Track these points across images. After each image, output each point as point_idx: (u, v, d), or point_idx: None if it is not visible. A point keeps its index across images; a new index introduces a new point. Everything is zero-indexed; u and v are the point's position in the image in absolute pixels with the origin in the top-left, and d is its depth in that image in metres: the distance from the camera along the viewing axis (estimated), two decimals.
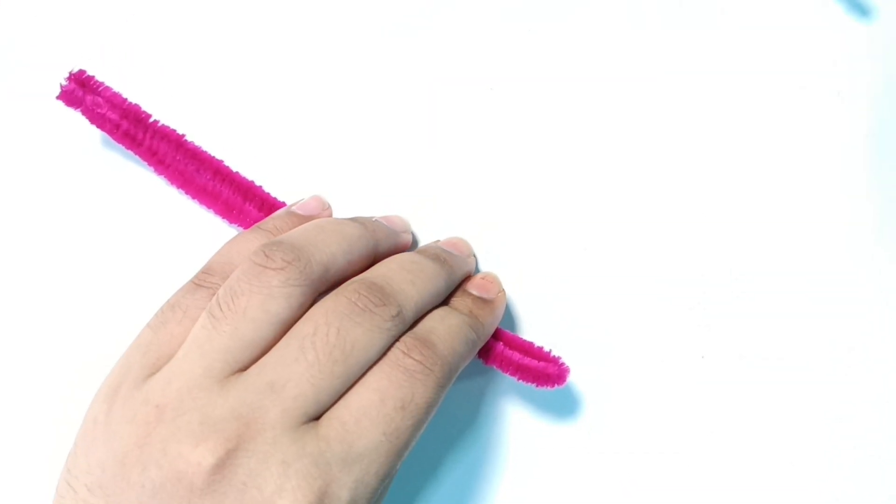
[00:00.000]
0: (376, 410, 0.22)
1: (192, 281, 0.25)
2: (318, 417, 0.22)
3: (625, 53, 0.32)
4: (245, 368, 0.23)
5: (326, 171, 0.31)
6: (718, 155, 0.32)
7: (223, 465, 0.21)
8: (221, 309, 0.23)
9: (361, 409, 0.22)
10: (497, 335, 0.29)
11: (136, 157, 0.29)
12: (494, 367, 0.29)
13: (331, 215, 0.30)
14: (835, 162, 0.32)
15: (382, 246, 0.27)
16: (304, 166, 0.31)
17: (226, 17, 0.32)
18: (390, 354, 0.23)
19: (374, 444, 0.22)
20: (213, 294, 0.24)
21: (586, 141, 0.32)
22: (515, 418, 0.31)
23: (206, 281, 0.25)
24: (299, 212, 0.28)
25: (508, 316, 0.31)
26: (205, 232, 0.31)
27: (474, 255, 0.30)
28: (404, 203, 0.31)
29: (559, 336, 0.31)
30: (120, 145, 0.29)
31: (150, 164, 0.29)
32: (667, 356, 0.31)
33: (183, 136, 0.30)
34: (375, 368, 0.23)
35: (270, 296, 0.23)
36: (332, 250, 0.25)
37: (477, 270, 0.31)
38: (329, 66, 0.32)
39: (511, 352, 0.28)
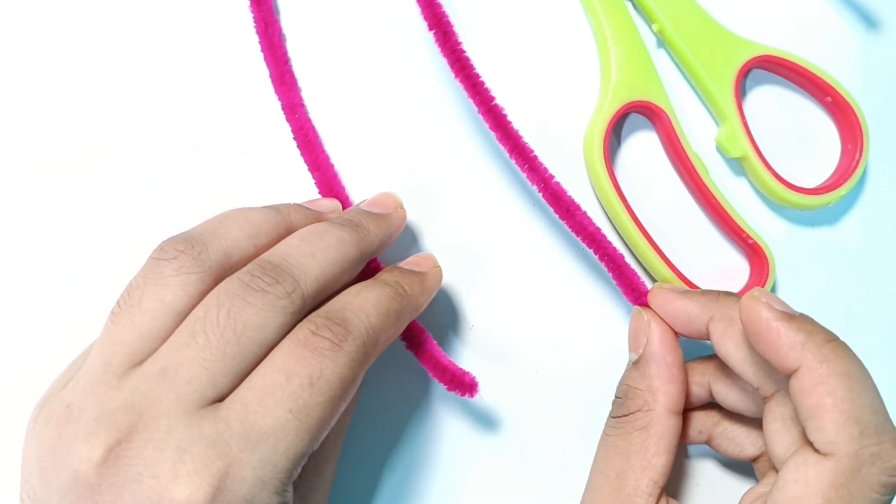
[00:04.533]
0: (281, 389, 0.21)
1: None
2: (220, 401, 0.22)
3: None
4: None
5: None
6: (718, 153, 0.32)
7: (113, 457, 0.20)
8: (120, 305, 0.23)
9: (265, 388, 0.21)
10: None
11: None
12: (414, 354, 0.28)
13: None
14: (833, 164, 0.32)
15: (299, 226, 0.26)
16: (301, 165, 0.31)
17: (223, 13, 0.32)
18: (297, 333, 0.22)
19: (280, 422, 0.21)
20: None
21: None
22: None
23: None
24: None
25: (497, 315, 0.31)
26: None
27: (403, 208, 0.28)
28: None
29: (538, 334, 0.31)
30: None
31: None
32: None
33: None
34: (282, 347, 0.22)
35: (164, 285, 0.22)
36: (234, 235, 0.24)
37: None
38: (328, 64, 0.31)
39: (437, 349, 0.28)
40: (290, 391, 0.21)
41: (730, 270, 0.32)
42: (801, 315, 0.23)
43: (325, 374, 0.22)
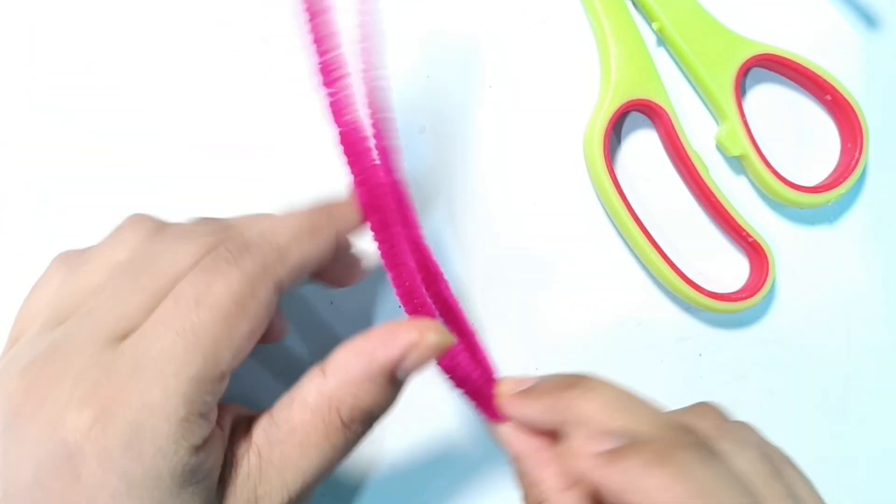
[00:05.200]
0: (170, 312, 0.21)
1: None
2: None
3: None
4: None
5: (323, 168, 0.31)
6: (718, 152, 0.32)
7: (29, 392, 0.21)
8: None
9: (158, 315, 0.21)
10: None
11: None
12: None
13: None
14: (833, 162, 0.32)
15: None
16: (302, 165, 0.31)
17: (223, 12, 0.32)
18: (200, 262, 0.22)
19: (168, 344, 0.21)
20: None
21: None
22: None
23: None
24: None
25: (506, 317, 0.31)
26: None
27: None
28: None
29: (554, 336, 0.31)
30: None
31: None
32: (666, 356, 0.31)
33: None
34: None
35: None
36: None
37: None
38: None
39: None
40: (178, 313, 0.21)
41: (730, 269, 0.32)
42: (619, 448, 0.21)
43: (212, 290, 0.21)
